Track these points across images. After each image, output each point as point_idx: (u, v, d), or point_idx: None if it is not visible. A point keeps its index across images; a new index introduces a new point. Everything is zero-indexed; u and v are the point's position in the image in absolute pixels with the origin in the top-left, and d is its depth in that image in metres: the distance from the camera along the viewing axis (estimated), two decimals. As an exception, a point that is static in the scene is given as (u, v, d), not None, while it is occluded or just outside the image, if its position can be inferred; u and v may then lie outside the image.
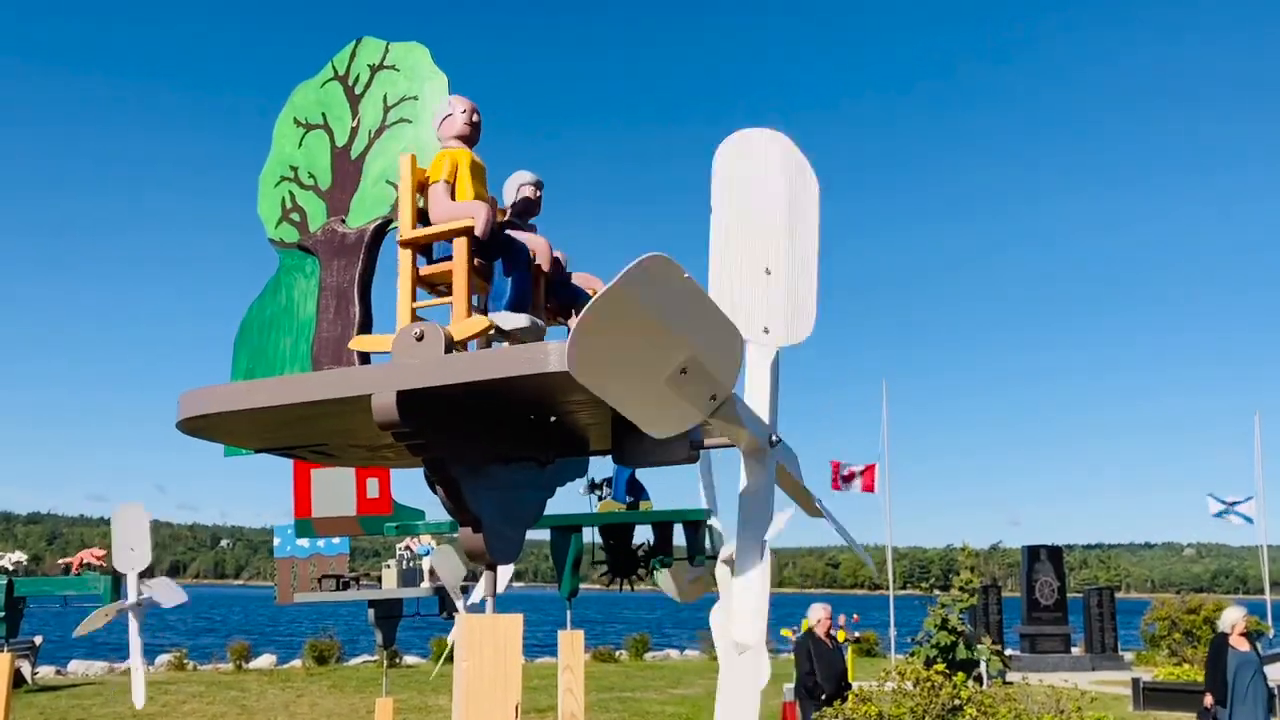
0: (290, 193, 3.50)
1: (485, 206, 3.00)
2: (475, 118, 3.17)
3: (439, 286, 3.13)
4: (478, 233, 2.94)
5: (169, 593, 10.73)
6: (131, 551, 11.58)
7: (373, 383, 2.73)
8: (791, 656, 13.93)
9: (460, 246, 2.98)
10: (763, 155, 2.97)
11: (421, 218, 3.10)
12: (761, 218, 2.93)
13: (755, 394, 2.84)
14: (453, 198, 3.07)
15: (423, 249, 3.13)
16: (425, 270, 3.11)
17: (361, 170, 3.39)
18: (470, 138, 3.17)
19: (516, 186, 3.47)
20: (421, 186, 3.10)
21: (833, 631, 12.77)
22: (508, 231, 3.16)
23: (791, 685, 13.03)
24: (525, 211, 3.47)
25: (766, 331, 2.87)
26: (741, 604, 2.64)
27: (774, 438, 2.77)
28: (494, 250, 3.08)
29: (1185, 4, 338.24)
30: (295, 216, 3.48)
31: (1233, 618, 11.55)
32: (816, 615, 12.38)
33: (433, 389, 2.66)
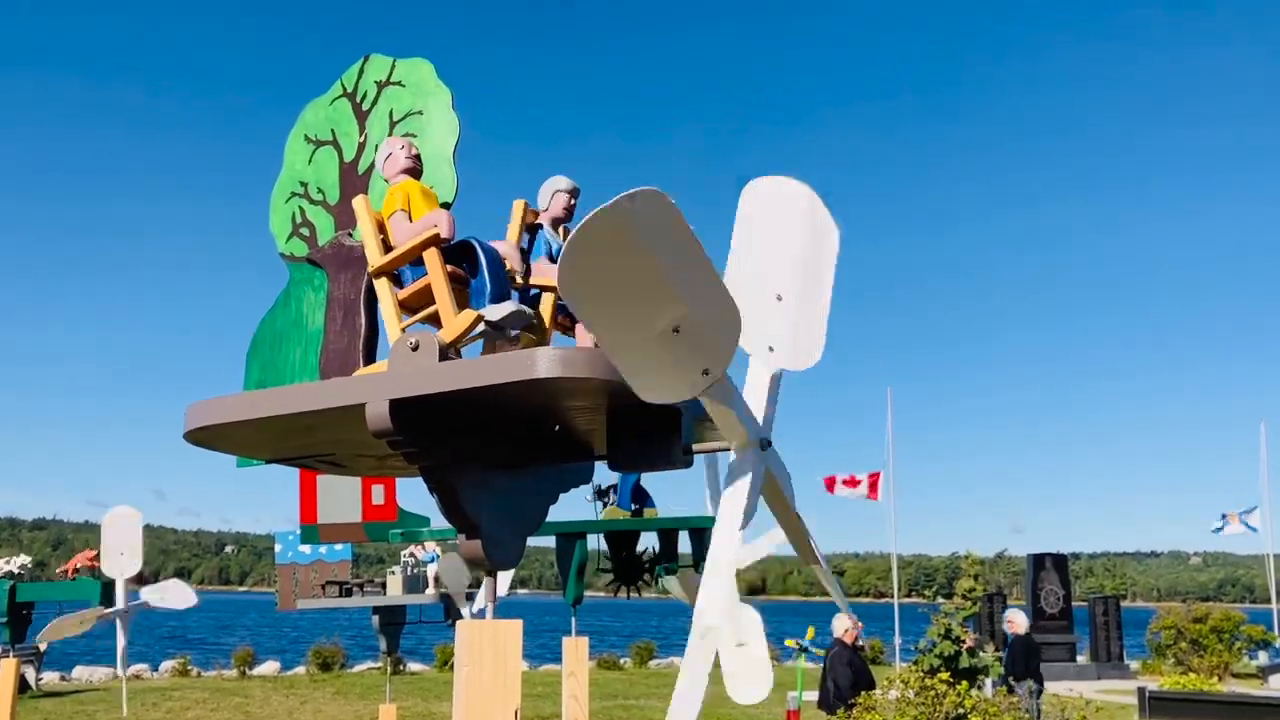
0: (300, 208, 3.58)
1: (446, 213, 3.07)
2: (414, 150, 3.28)
3: (417, 309, 3.19)
4: (444, 234, 3.00)
5: (179, 595, 10.73)
6: (121, 556, 11.48)
7: (367, 392, 2.76)
8: (798, 665, 13.82)
9: (432, 257, 3.05)
10: (787, 198, 3.11)
11: (387, 250, 3.17)
12: (779, 251, 3.03)
13: (753, 399, 2.86)
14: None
15: (394, 278, 3.20)
16: (401, 295, 3.17)
17: (368, 185, 3.45)
18: (414, 170, 3.26)
19: (551, 193, 3.51)
20: (380, 226, 3.17)
21: (860, 642, 12.16)
22: (470, 239, 3.21)
23: (794, 694, 12.74)
24: (559, 217, 3.51)
25: (771, 350, 2.95)
26: (712, 588, 2.67)
27: (765, 441, 2.80)
28: (459, 255, 3.13)
29: (1190, 5, 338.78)
30: (305, 231, 3.55)
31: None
32: (844, 625, 11.58)
33: (425, 397, 2.68)
